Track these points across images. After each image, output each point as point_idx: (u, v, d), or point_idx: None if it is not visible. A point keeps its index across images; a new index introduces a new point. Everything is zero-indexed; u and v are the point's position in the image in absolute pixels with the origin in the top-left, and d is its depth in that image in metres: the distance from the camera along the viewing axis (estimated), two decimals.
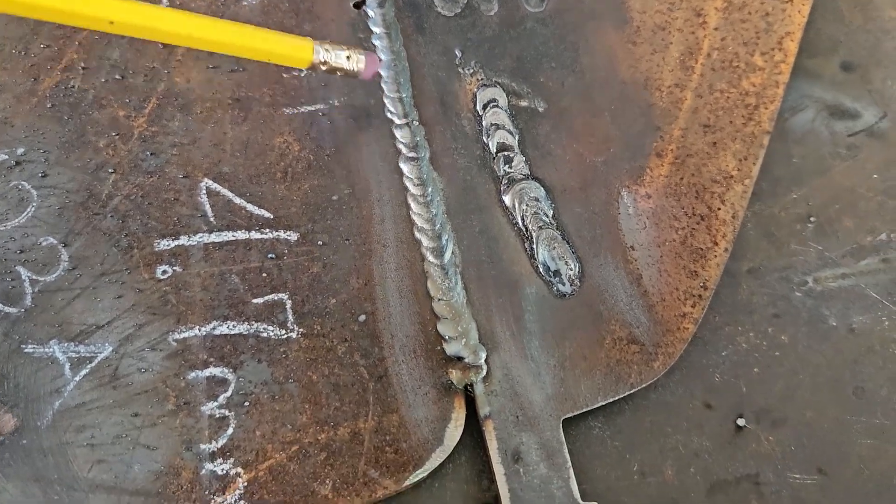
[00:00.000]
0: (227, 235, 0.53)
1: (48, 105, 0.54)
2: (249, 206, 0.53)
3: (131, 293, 0.51)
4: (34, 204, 0.52)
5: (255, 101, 0.56)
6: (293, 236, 0.53)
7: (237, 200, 0.53)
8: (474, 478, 0.51)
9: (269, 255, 0.52)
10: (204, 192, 0.53)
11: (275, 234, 0.53)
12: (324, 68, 0.53)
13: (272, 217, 0.53)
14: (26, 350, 0.49)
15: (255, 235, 0.53)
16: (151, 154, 0.54)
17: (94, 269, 0.51)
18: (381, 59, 0.58)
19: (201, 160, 0.54)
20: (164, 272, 0.51)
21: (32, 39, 0.56)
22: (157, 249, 0.52)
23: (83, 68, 0.55)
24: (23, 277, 0.50)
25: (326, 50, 0.52)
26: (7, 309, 0.50)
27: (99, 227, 0.52)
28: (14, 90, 0.54)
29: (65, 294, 0.50)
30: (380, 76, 0.58)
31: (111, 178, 0.53)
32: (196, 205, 0.53)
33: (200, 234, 0.52)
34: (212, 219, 0.53)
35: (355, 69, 0.54)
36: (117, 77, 0.56)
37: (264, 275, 0.52)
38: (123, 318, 0.50)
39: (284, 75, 0.57)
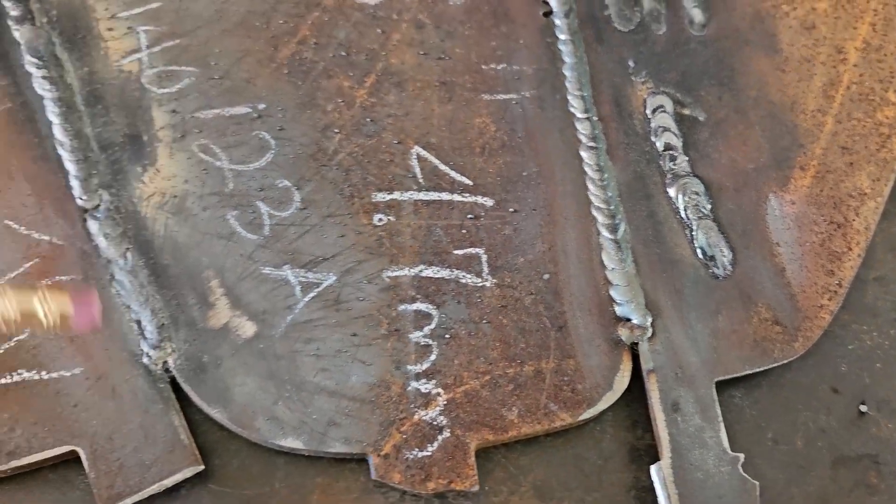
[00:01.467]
0: (434, 195, 0.60)
1: (285, 71, 0.63)
2: (452, 173, 0.61)
3: (352, 234, 0.59)
4: (273, 151, 0.60)
5: (458, 86, 0.64)
6: (489, 202, 0.61)
7: (442, 167, 0.61)
8: (630, 426, 0.57)
9: (469, 216, 0.60)
10: (415, 157, 0.61)
11: (473, 198, 0.61)
12: None
13: (471, 184, 0.61)
14: (264, 271, 0.57)
15: (456, 198, 0.61)
16: (370, 121, 0.62)
17: (321, 210, 0.59)
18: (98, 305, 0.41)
19: (412, 130, 0.62)
20: (380, 220, 0.59)
21: (273, 15, 0.64)
22: (374, 200, 0.60)
23: (315, 43, 0.64)
24: (262, 211, 0.59)
25: None
26: (250, 236, 0.58)
27: (326, 176, 0.60)
28: (257, 55, 0.63)
29: (297, 229, 0.58)
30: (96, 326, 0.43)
31: (336, 137, 0.61)
32: (408, 167, 0.61)
33: (411, 192, 0.60)
34: (421, 180, 0.61)
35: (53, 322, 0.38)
36: (343, 53, 0.64)
37: (464, 231, 0.60)
38: (345, 253, 0.58)
39: (483, 67, 0.65)
